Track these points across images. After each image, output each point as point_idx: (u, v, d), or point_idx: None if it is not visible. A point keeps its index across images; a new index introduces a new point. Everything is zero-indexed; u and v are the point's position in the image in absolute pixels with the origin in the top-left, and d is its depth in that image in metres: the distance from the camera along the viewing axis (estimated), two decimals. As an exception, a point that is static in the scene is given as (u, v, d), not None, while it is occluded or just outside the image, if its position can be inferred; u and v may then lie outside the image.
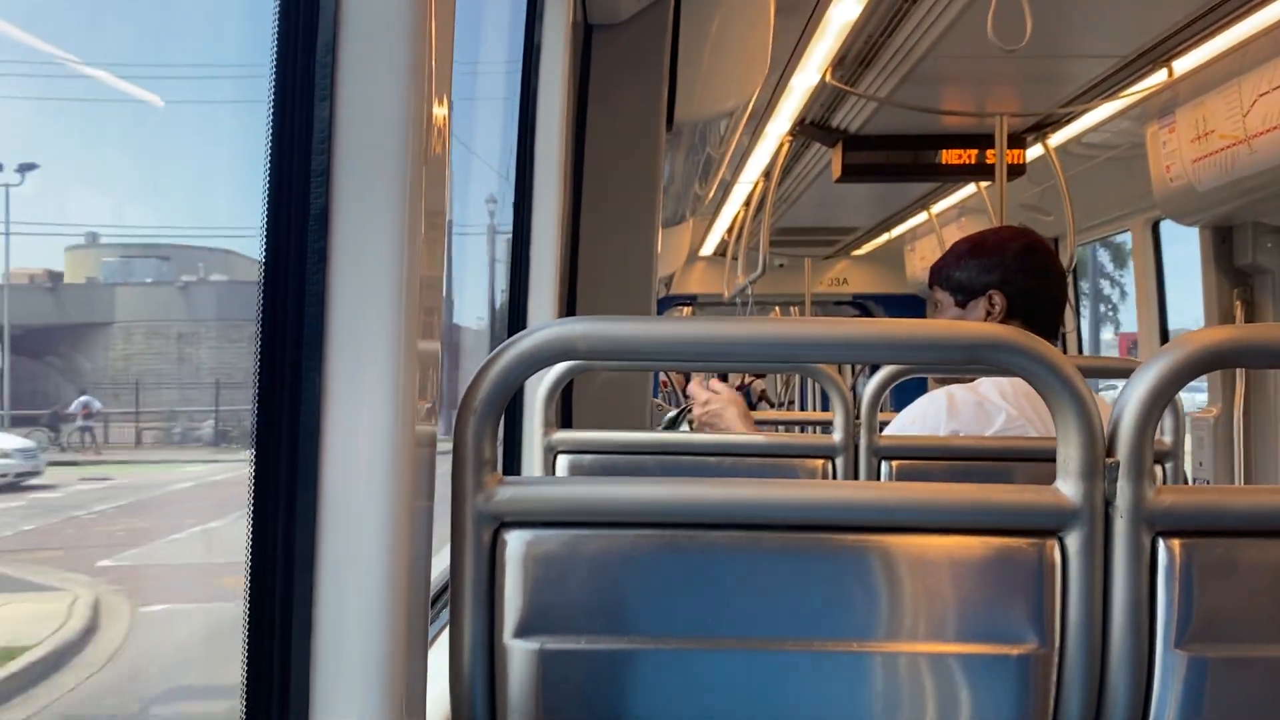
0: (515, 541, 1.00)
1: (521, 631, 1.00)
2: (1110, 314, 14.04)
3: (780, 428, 5.23)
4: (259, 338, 0.92)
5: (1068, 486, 1.00)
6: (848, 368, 7.62)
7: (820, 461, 2.03)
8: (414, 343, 0.92)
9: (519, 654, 1.00)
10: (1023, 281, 2.28)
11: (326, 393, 0.91)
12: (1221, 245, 4.36)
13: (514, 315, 2.50)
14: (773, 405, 12.99)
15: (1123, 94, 4.02)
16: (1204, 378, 4.36)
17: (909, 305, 8.59)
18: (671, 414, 4.40)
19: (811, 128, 4.80)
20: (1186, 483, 2.64)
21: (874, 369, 2.12)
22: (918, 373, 2.13)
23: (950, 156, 4.80)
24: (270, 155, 0.92)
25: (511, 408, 2.43)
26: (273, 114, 0.92)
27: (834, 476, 2.00)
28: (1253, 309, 4.35)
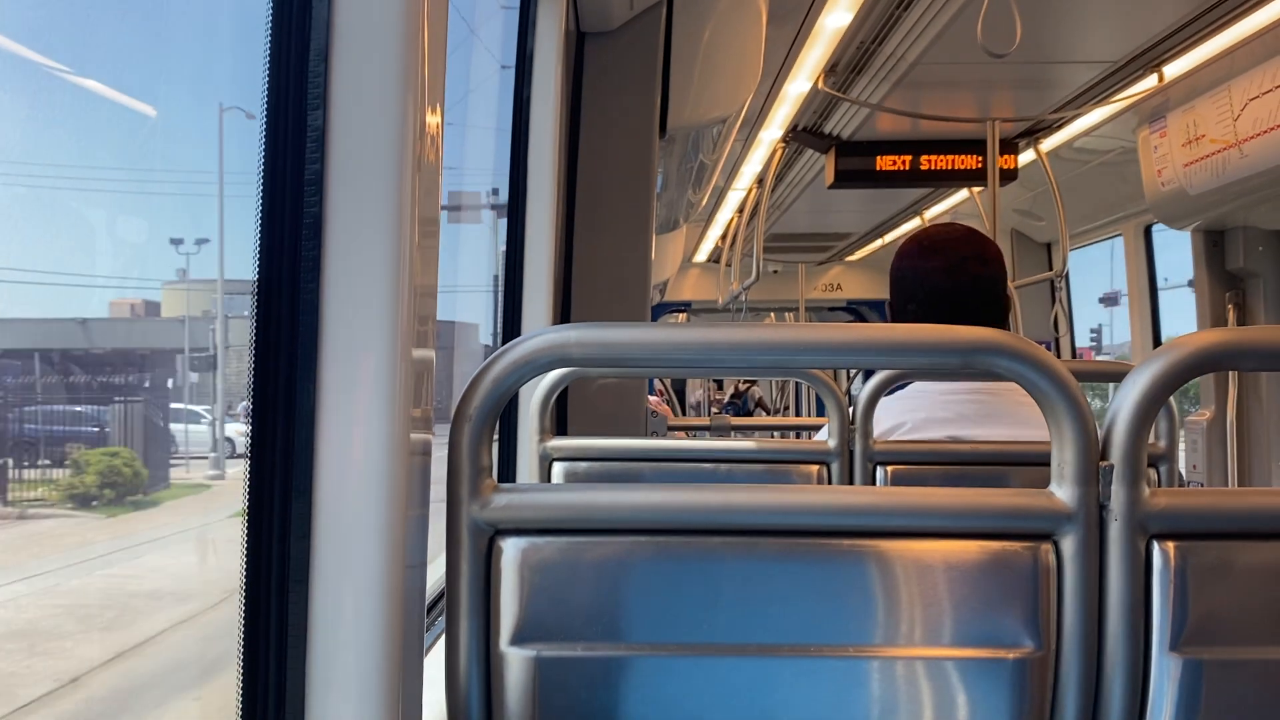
0: (511, 549, 1.00)
1: (517, 638, 1.00)
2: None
3: (775, 433, 5.24)
4: (253, 346, 0.92)
5: (1062, 490, 1.00)
6: (842, 373, 7.63)
7: (815, 467, 2.03)
8: (408, 350, 0.92)
9: (515, 661, 1.00)
10: (898, 304, 2.24)
11: (321, 401, 0.91)
12: (1213, 249, 4.38)
13: (508, 323, 2.50)
14: (768, 411, 13.02)
15: (1114, 99, 4.03)
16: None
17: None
18: None
19: (804, 134, 4.81)
20: (1181, 486, 2.64)
21: (868, 374, 2.12)
22: (912, 378, 2.13)
23: (943, 162, 4.81)
24: (263, 163, 0.92)
25: (506, 415, 2.43)
26: (266, 122, 0.92)
27: (829, 482, 2.00)
28: (1244, 312, 4.37)
